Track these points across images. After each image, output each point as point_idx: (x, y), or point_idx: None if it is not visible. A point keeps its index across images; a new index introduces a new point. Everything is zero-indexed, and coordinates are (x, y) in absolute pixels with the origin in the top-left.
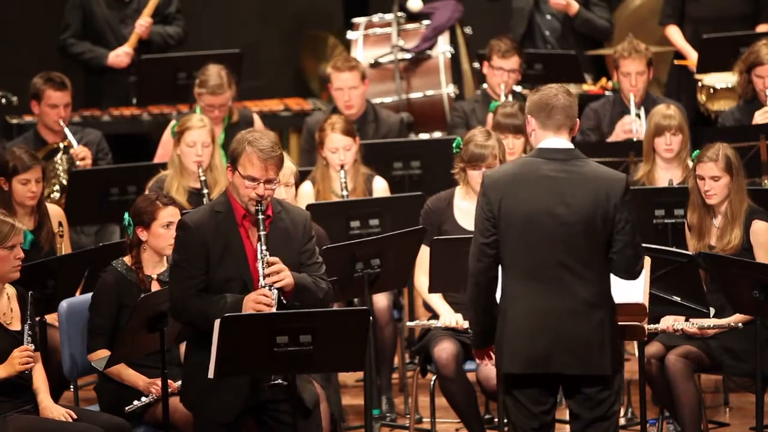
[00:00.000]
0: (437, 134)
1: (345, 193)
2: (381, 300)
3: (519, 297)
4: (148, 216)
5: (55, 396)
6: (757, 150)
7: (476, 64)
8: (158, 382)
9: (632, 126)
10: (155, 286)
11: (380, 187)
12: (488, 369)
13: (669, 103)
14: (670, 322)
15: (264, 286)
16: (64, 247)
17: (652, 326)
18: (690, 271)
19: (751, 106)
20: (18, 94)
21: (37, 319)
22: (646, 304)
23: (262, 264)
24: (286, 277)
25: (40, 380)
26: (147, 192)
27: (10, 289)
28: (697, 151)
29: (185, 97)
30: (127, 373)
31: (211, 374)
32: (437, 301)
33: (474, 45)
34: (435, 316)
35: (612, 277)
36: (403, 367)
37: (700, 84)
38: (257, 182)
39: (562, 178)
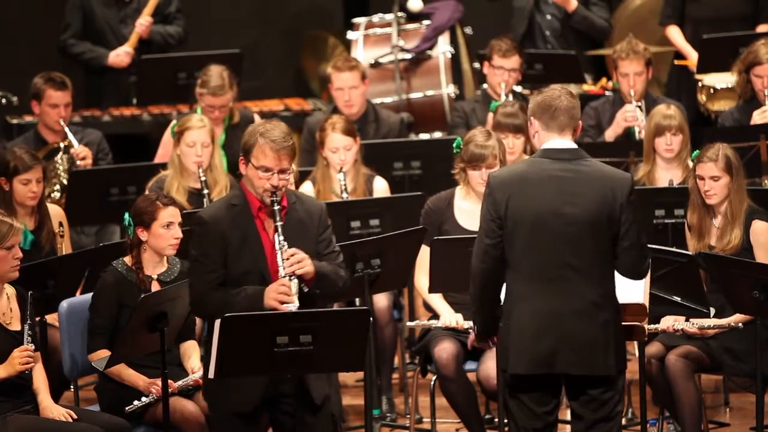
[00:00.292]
0: (437, 134)
1: (345, 195)
2: (381, 300)
3: (525, 297)
4: (149, 216)
5: (56, 396)
6: (757, 150)
7: (476, 64)
8: (158, 382)
9: (634, 113)
10: (155, 287)
11: (381, 188)
12: (488, 369)
13: (669, 103)
14: (670, 322)
15: (284, 277)
16: (65, 247)
17: (652, 326)
18: (690, 271)
19: (750, 106)
20: (18, 94)
21: (37, 319)
22: (647, 304)
23: (281, 254)
24: (307, 266)
25: (40, 380)
26: (147, 192)
27: (9, 289)
28: (697, 151)
29: (185, 97)
30: (127, 373)
31: (211, 374)
32: (437, 301)
33: (474, 45)
34: (435, 316)
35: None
36: (403, 367)
37: (700, 84)
38: (271, 173)
39: (568, 178)
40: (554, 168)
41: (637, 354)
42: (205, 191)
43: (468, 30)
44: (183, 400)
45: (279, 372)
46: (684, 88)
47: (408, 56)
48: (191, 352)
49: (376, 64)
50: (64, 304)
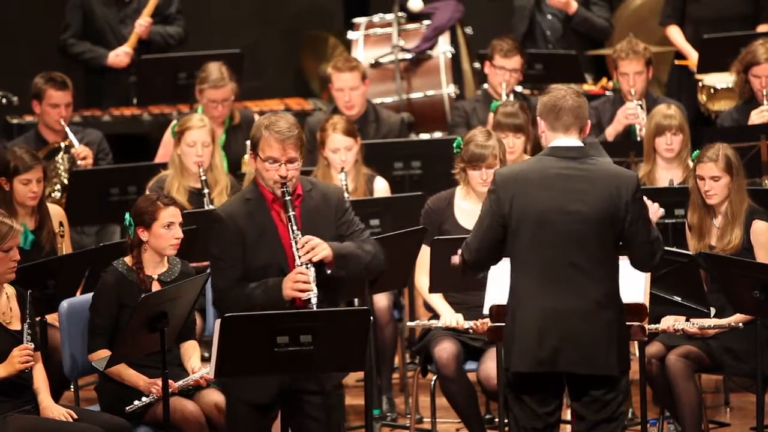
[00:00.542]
0: (438, 134)
1: (346, 194)
2: (381, 300)
3: (529, 296)
4: (149, 216)
5: (56, 396)
6: (757, 150)
7: (477, 64)
8: (159, 382)
9: (635, 111)
10: (156, 287)
11: (381, 188)
12: (488, 369)
13: (670, 103)
14: (670, 322)
15: (301, 265)
16: (65, 247)
17: (652, 326)
18: (690, 271)
19: (749, 106)
20: (18, 94)
21: (38, 318)
22: (647, 304)
23: (295, 244)
24: (322, 251)
25: (40, 380)
26: (147, 192)
27: (9, 289)
28: (698, 151)
29: (186, 97)
30: (127, 373)
31: (211, 374)
32: (438, 300)
33: (474, 45)
34: (435, 316)
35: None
36: (403, 367)
37: (700, 84)
38: (278, 163)
39: (574, 176)
40: (559, 166)
41: (637, 354)
42: (206, 191)
43: (468, 30)
44: (183, 400)
45: (279, 372)
46: (684, 88)
47: (408, 56)
48: (191, 352)
49: (376, 64)
50: (64, 304)
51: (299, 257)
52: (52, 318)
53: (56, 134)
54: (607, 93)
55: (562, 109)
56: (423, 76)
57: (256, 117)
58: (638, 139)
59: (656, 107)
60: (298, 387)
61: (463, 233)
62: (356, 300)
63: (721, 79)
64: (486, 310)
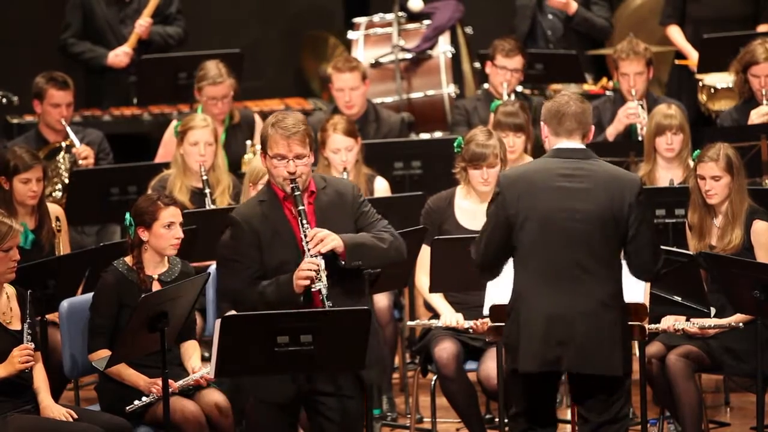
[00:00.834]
0: (438, 134)
1: None
2: (381, 300)
3: (533, 296)
4: (150, 216)
5: (55, 395)
6: (757, 150)
7: (477, 64)
8: (159, 382)
9: (636, 110)
10: (156, 286)
11: (381, 188)
12: (488, 369)
13: (670, 103)
14: (670, 322)
15: (310, 257)
16: (62, 243)
17: (652, 326)
18: (691, 270)
19: (748, 106)
20: (18, 94)
21: (38, 318)
22: (647, 304)
23: (305, 237)
24: (330, 242)
25: (40, 380)
26: (149, 191)
27: (9, 289)
28: (698, 150)
29: (186, 97)
30: (127, 373)
31: (211, 374)
32: (438, 300)
33: (475, 45)
34: (435, 315)
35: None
36: (403, 367)
37: (700, 84)
38: (286, 160)
39: (577, 176)
40: (563, 167)
41: (637, 354)
42: (208, 191)
43: (468, 30)
44: (183, 400)
45: (279, 372)
46: (684, 87)
47: (408, 56)
48: (191, 352)
49: (376, 64)
50: (65, 304)
51: (308, 250)
52: (52, 317)
53: (57, 134)
54: (607, 93)
55: (565, 115)
56: (423, 75)
57: (256, 117)
58: (639, 138)
59: (657, 107)
60: (318, 389)
61: (464, 233)
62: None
63: (721, 79)
64: (486, 310)
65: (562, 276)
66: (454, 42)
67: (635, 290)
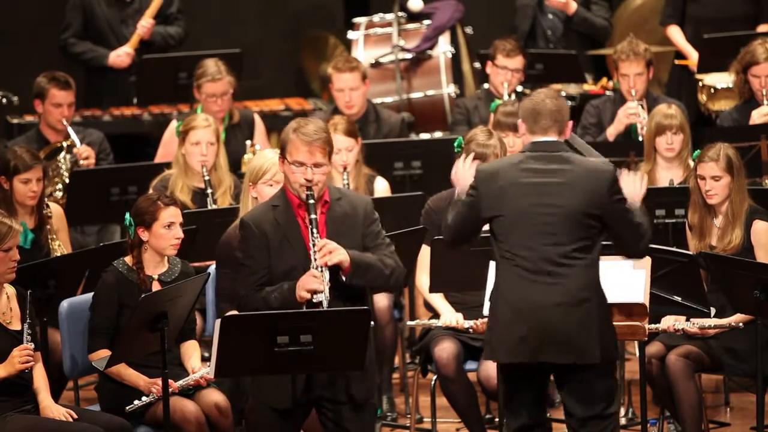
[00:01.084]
0: (438, 134)
1: None
2: (381, 300)
3: (509, 289)
4: (150, 216)
5: (55, 395)
6: (757, 150)
7: (477, 64)
8: (159, 381)
9: (636, 110)
10: (156, 286)
11: (382, 188)
12: (488, 369)
13: (670, 103)
14: (670, 322)
15: (315, 268)
16: (62, 242)
17: (652, 326)
18: (691, 270)
19: (748, 106)
20: (19, 94)
21: (42, 319)
22: (647, 304)
23: (313, 246)
24: (337, 255)
25: (40, 380)
26: (151, 191)
27: (9, 289)
28: (698, 150)
29: (186, 96)
30: (127, 372)
31: (211, 374)
32: (438, 300)
33: (475, 45)
34: (436, 315)
35: (613, 276)
36: (403, 367)
37: (700, 84)
38: (305, 167)
39: (551, 170)
40: (536, 161)
41: (637, 354)
42: (209, 191)
43: (468, 30)
44: (183, 400)
45: (279, 372)
46: (684, 87)
47: (408, 56)
48: (191, 352)
49: (376, 64)
50: (65, 304)
51: (315, 260)
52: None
53: (58, 134)
54: (607, 93)
55: (540, 113)
56: (423, 75)
57: (256, 117)
58: (639, 138)
59: (657, 107)
60: (327, 396)
61: None
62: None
63: (721, 79)
64: (486, 310)
65: (538, 268)
66: (454, 42)
67: (635, 290)
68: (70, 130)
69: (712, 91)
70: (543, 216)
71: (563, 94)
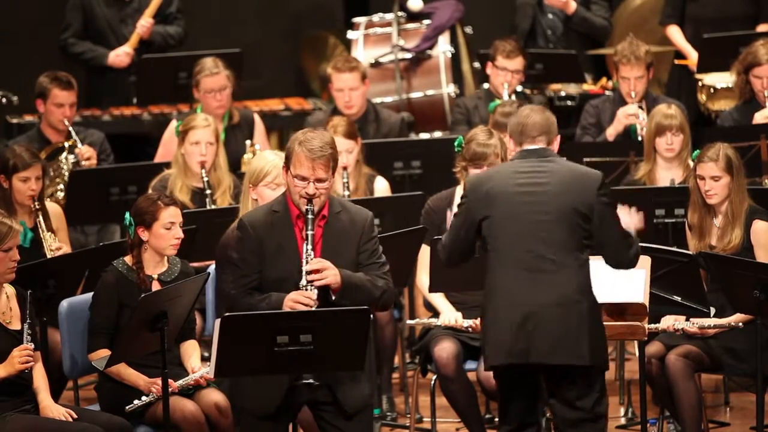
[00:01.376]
0: (437, 134)
1: (346, 193)
2: None
3: (500, 290)
4: (150, 216)
5: (55, 395)
6: (757, 150)
7: (476, 64)
8: (158, 381)
9: (636, 112)
10: (156, 286)
11: (382, 188)
12: None
13: (670, 103)
14: (670, 322)
15: (304, 286)
16: (61, 242)
17: (652, 326)
18: (690, 270)
19: (749, 107)
20: (19, 94)
21: (42, 319)
22: (647, 304)
23: (306, 263)
24: (328, 276)
25: (40, 379)
26: (150, 191)
27: (9, 289)
28: (698, 150)
29: (186, 96)
30: (127, 372)
31: (211, 374)
32: (438, 298)
33: (474, 45)
34: (435, 314)
35: (613, 276)
36: (403, 367)
37: (700, 84)
38: (307, 181)
39: (540, 173)
40: (525, 166)
41: (637, 354)
42: (208, 191)
43: (468, 30)
44: (183, 400)
45: (279, 372)
46: (684, 87)
47: (408, 56)
48: (191, 352)
49: (376, 64)
50: (64, 303)
51: (305, 278)
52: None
53: (59, 134)
54: (607, 93)
55: (525, 126)
56: (423, 75)
57: (256, 117)
58: (639, 138)
59: (657, 107)
60: (317, 399)
61: None
62: None
63: (721, 79)
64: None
65: (528, 270)
66: (453, 42)
67: (635, 290)
68: (71, 130)
69: (712, 91)
70: (533, 216)
71: (562, 93)
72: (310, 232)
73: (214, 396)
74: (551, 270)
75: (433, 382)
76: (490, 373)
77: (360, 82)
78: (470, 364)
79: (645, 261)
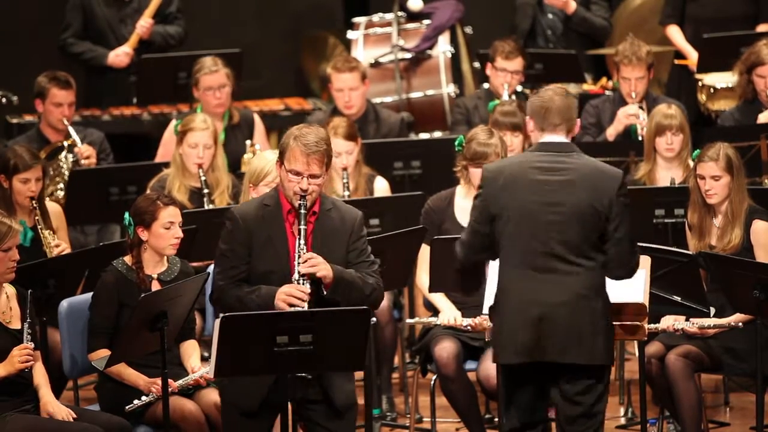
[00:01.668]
0: (437, 134)
1: (347, 193)
2: None
3: (514, 288)
4: (149, 216)
5: (55, 395)
6: (757, 150)
7: (476, 64)
8: (158, 381)
9: (636, 112)
10: (156, 286)
11: (381, 188)
12: (488, 369)
13: (670, 103)
14: (670, 322)
15: (297, 280)
16: (62, 241)
17: (652, 326)
18: (690, 270)
19: (751, 107)
20: (18, 94)
21: (42, 318)
22: (646, 304)
23: (298, 257)
24: (321, 270)
25: (40, 377)
26: (149, 191)
27: (9, 289)
28: (698, 150)
29: (185, 96)
30: (127, 372)
31: (211, 374)
32: (438, 297)
33: (474, 45)
34: (436, 313)
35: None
36: (403, 367)
37: (700, 84)
38: (301, 176)
39: (558, 169)
40: (544, 160)
41: (637, 354)
42: (206, 191)
43: (468, 30)
44: (183, 400)
45: (279, 372)
46: (684, 87)
47: (408, 56)
48: (191, 352)
49: (376, 64)
50: (64, 303)
51: (298, 271)
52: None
53: (58, 133)
54: (607, 93)
55: (549, 110)
56: (423, 75)
57: (256, 117)
58: (639, 138)
59: (657, 107)
60: (306, 397)
61: None
62: None
63: (721, 79)
64: (485, 310)
65: (543, 268)
66: (453, 42)
67: (635, 290)
68: (70, 129)
69: (712, 90)
70: (550, 214)
71: None
72: (302, 227)
73: (214, 396)
74: (565, 270)
75: (432, 382)
76: (491, 373)
77: (360, 82)
78: (470, 364)
79: (645, 261)
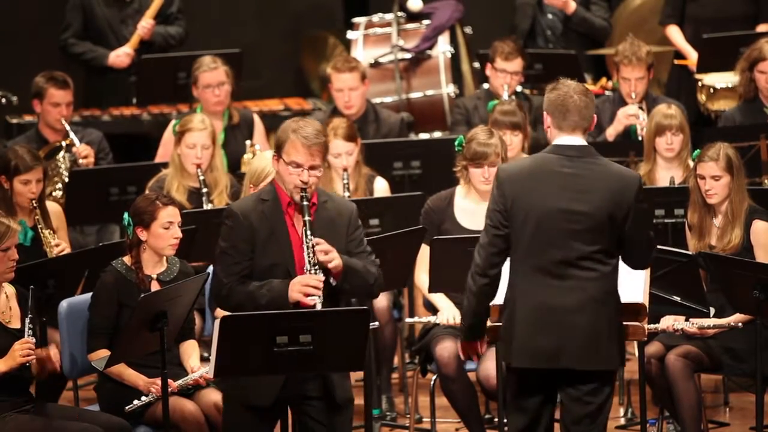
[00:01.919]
0: (437, 134)
1: (347, 193)
2: (381, 300)
3: (528, 292)
4: (148, 216)
5: (55, 395)
6: (757, 150)
7: (476, 64)
8: (158, 381)
9: (636, 113)
10: (155, 286)
11: (381, 188)
12: (488, 369)
13: (670, 103)
14: (670, 322)
15: (309, 270)
16: (62, 240)
17: (652, 326)
18: (690, 270)
19: (752, 106)
20: (18, 94)
21: (42, 319)
22: (646, 304)
23: (308, 248)
24: (335, 258)
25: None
26: (148, 191)
27: (9, 288)
28: (698, 150)
29: (185, 96)
30: (127, 372)
31: (210, 374)
32: (438, 296)
33: (474, 45)
34: (435, 313)
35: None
36: (403, 367)
37: (700, 84)
38: (301, 168)
39: (575, 175)
40: (562, 165)
41: (637, 354)
42: (204, 190)
43: (468, 30)
44: (183, 400)
45: (278, 372)
46: (684, 87)
47: (408, 56)
48: (191, 352)
49: (376, 64)
50: (64, 304)
51: (309, 261)
52: None
53: (57, 133)
54: (607, 93)
55: (569, 110)
56: (423, 75)
57: (255, 117)
58: (639, 138)
59: (657, 107)
60: (305, 393)
61: (463, 233)
62: (354, 299)
63: (721, 79)
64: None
65: (556, 272)
66: (453, 42)
67: (634, 290)
68: (68, 129)
69: (712, 91)
70: (568, 222)
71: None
72: (308, 219)
73: (214, 396)
74: (582, 277)
75: (432, 382)
76: (491, 373)
77: (360, 82)
78: (470, 364)
79: None
